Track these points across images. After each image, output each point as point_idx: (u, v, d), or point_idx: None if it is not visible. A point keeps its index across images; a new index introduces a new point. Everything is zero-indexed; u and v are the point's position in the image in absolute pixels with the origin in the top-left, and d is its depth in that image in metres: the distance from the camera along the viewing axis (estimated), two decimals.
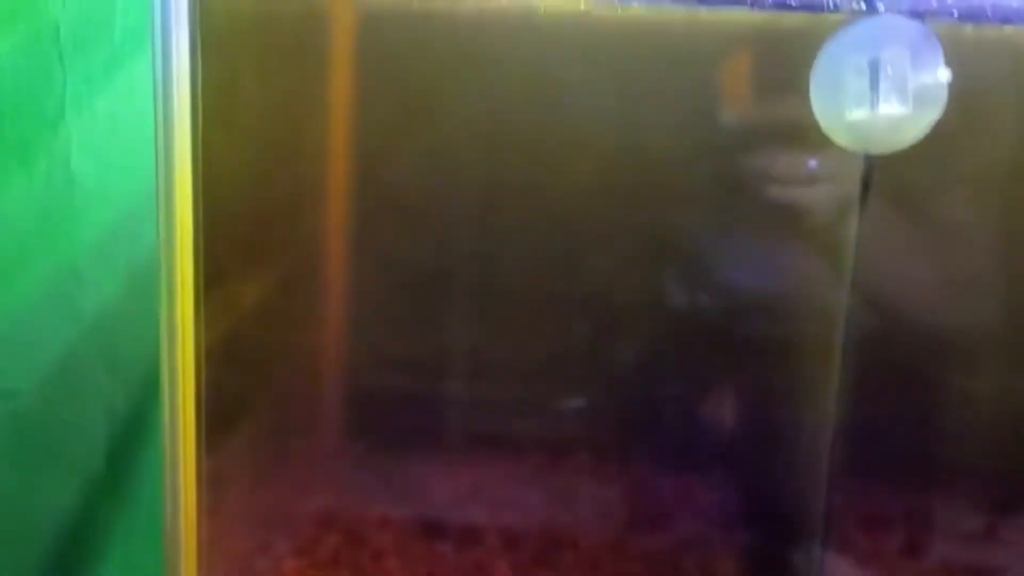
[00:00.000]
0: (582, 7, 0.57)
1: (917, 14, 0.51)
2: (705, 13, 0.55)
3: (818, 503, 0.62)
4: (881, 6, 0.51)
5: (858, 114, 0.52)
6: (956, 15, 0.51)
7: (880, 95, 0.52)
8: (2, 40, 0.88)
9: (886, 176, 0.55)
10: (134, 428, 0.96)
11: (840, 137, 0.53)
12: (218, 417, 0.59)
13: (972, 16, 0.52)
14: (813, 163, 0.56)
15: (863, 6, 0.51)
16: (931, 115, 0.52)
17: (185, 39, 0.52)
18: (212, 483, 0.58)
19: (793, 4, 0.51)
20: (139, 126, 0.89)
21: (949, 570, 0.63)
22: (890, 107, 0.52)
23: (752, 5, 0.51)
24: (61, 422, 0.96)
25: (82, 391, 0.95)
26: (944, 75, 0.51)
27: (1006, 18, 0.52)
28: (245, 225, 0.61)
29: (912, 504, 0.64)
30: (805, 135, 0.54)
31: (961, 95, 0.50)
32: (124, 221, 0.92)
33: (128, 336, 0.94)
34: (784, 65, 0.54)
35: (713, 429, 0.65)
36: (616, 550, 0.65)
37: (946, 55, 0.51)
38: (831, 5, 0.51)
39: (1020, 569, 0.63)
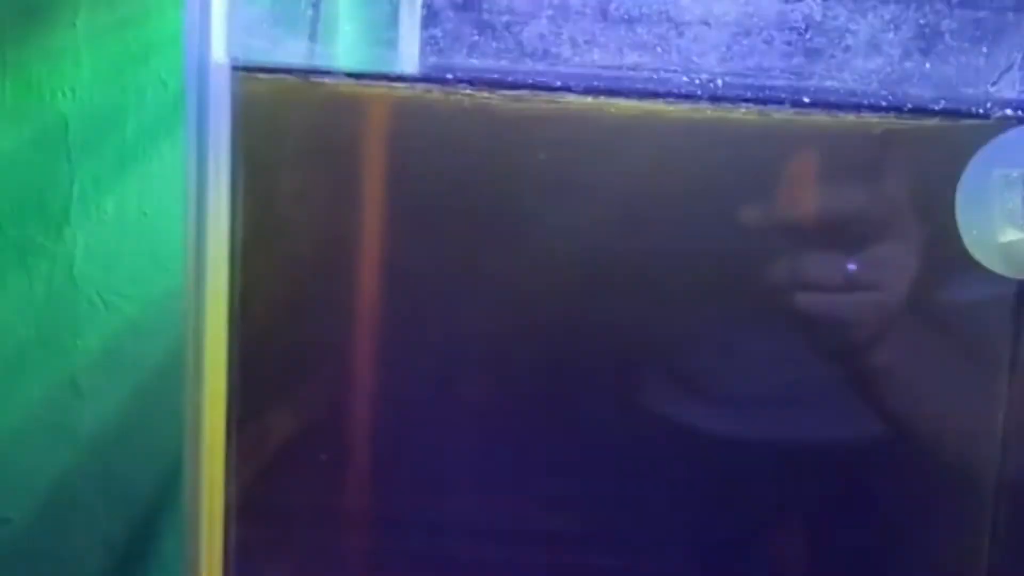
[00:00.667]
0: (660, 107, 0.51)
1: None
2: (824, 118, 0.47)
3: None
4: None
5: (1011, 235, 0.45)
6: None
7: None
8: (7, 135, 0.83)
9: None
10: (133, 564, 0.89)
11: (991, 260, 0.46)
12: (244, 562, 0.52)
13: None
14: (973, 286, 0.48)
15: (1016, 112, 0.44)
16: None
17: (225, 142, 0.46)
18: None
19: (936, 108, 0.44)
20: (149, 231, 0.84)
21: None
22: None
23: (888, 110, 0.45)
24: (53, 555, 0.89)
25: (77, 520, 0.88)
26: None
27: None
28: (280, 353, 0.54)
29: None
30: (952, 256, 0.47)
31: None
32: (129, 333, 0.86)
33: (129, 460, 0.87)
34: (926, 179, 0.47)
35: None
36: None
37: None
38: (979, 111, 0.44)
39: None
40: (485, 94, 0.49)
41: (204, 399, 0.48)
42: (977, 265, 0.46)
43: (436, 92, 0.49)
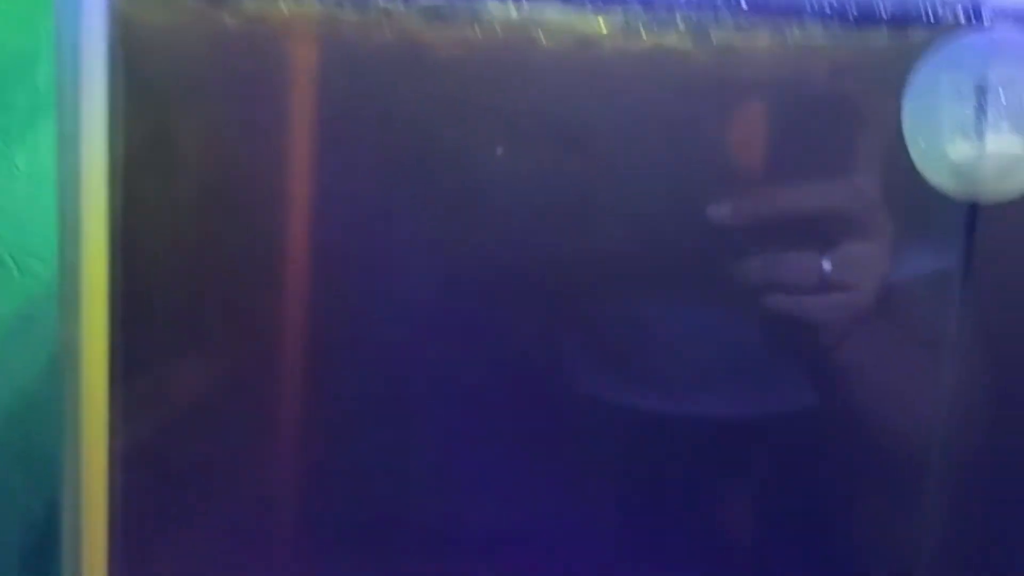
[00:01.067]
0: (600, 30, 0.47)
1: None
2: (767, 41, 0.44)
3: None
4: (989, 18, 0.42)
5: (962, 151, 0.43)
6: None
7: (989, 127, 0.42)
8: None
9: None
10: (55, 542, 0.84)
11: (941, 180, 0.43)
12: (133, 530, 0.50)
13: None
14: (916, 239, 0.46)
15: (968, 17, 0.42)
16: None
17: (101, 67, 0.42)
18: None
19: (883, 15, 0.41)
20: None
21: None
22: (1002, 142, 0.42)
23: (831, 17, 0.42)
24: None
25: None
26: None
27: None
28: (174, 306, 0.50)
29: None
30: (900, 179, 0.44)
31: None
32: (45, 298, 0.83)
33: (46, 431, 0.84)
34: (868, 94, 0.44)
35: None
36: None
37: None
38: (927, 17, 0.41)
39: None
40: (401, 8, 0.46)
41: (82, 367, 0.44)
42: (924, 184, 0.43)
43: (348, 7, 0.45)
